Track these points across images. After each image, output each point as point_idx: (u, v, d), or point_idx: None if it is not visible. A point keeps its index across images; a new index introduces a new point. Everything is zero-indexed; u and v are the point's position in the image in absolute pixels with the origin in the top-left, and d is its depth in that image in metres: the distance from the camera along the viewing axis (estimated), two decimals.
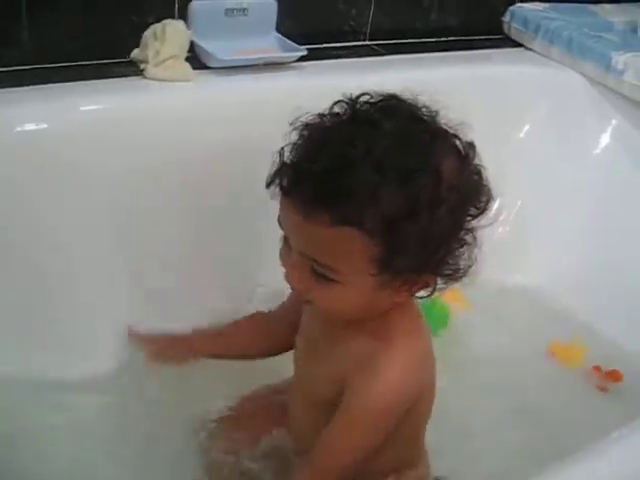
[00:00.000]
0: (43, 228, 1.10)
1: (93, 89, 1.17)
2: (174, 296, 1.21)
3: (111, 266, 1.16)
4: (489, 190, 0.83)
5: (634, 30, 1.63)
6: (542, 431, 1.17)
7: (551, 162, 1.51)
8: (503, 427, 1.18)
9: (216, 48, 1.25)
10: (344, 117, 0.81)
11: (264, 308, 1.09)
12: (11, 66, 1.17)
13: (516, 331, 1.37)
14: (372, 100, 0.82)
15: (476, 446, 1.12)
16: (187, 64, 1.23)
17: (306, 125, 0.81)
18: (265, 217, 1.21)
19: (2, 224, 1.06)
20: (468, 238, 0.82)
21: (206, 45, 1.25)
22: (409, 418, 0.87)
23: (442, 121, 0.82)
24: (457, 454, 1.09)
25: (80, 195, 1.12)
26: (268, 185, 0.81)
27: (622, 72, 1.45)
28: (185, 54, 1.23)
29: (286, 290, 1.00)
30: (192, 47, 1.25)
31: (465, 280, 0.83)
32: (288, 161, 0.80)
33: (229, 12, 1.29)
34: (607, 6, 1.74)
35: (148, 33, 1.21)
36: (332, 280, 0.79)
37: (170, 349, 1.06)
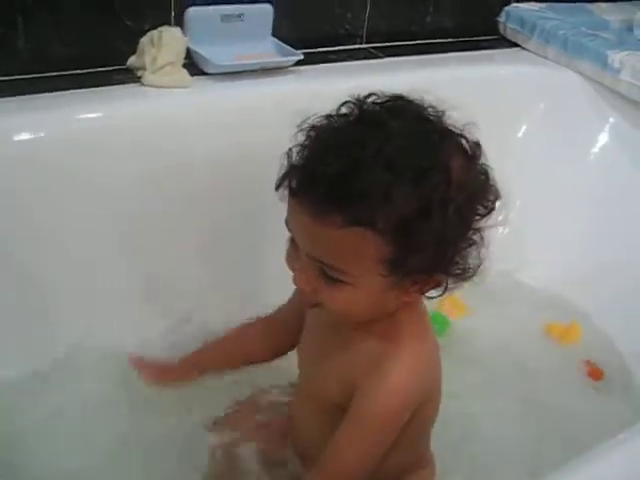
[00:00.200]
0: (44, 237, 1.10)
1: (90, 97, 1.17)
2: (176, 300, 1.22)
3: (112, 273, 1.16)
4: (496, 189, 0.83)
5: (630, 29, 1.63)
6: (547, 425, 1.17)
7: (549, 161, 1.51)
8: (508, 425, 1.18)
9: (213, 54, 1.25)
10: (352, 118, 0.81)
11: (264, 312, 1.08)
12: (7, 75, 1.17)
13: (516, 331, 1.37)
14: (379, 100, 0.82)
15: (479, 447, 1.12)
16: (184, 70, 1.23)
17: (314, 127, 0.81)
18: (265, 220, 1.23)
19: (1, 234, 1.06)
20: (476, 237, 0.82)
21: (203, 51, 1.25)
22: (416, 420, 0.87)
23: (448, 121, 0.82)
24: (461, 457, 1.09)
25: (80, 203, 1.12)
26: (278, 187, 0.81)
27: (619, 70, 1.45)
28: (182, 60, 1.23)
29: (288, 293, 1.01)
30: (189, 53, 1.25)
31: (475, 279, 0.83)
32: (297, 162, 0.80)
33: (225, 18, 1.29)
34: (603, 5, 1.74)
35: (145, 40, 1.21)
36: (341, 282, 0.79)
37: (170, 373, 1.06)
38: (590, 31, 1.57)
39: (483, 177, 0.82)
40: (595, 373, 1.31)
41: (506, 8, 1.65)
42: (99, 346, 1.13)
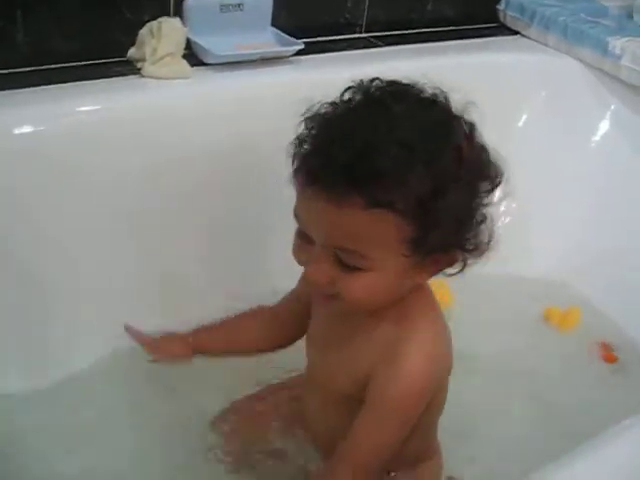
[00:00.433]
0: (43, 230, 1.10)
1: (90, 89, 1.16)
2: (176, 297, 1.22)
3: (112, 267, 1.16)
4: (498, 165, 0.83)
5: (629, 15, 1.62)
6: (551, 415, 1.18)
7: (550, 149, 1.51)
8: (510, 417, 1.18)
9: (213, 44, 1.24)
10: (358, 102, 0.81)
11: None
12: (7, 68, 1.16)
13: (516, 320, 1.37)
14: (382, 85, 0.82)
15: (480, 441, 1.12)
16: (184, 61, 1.22)
17: (320, 114, 0.81)
18: (265, 212, 1.23)
19: (1, 228, 1.06)
20: (486, 212, 0.83)
21: (202, 41, 1.25)
22: (428, 407, 0.86)
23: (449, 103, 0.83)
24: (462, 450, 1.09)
25: (80, 195, 1.12)
26: (294, 176, 0.80)
27: (619, 57, 1.44)
28: (182, 51, 1.23)
29: (288, 286, 1.01)
30: (188, 44, 1.25)
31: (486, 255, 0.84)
32: (309, 151, 0.80)
33: (224, 8, 1.29)
34: None
35: (144, 31, 1.21)
36: (359, 269, 0.79)
37: (169, 344, 1.04)
38: (590, 18, 1.56)
39: (485, 154, 0.83)
40: (610, 357, 1.31)
41: None
42: (98, 344, 1.13)
